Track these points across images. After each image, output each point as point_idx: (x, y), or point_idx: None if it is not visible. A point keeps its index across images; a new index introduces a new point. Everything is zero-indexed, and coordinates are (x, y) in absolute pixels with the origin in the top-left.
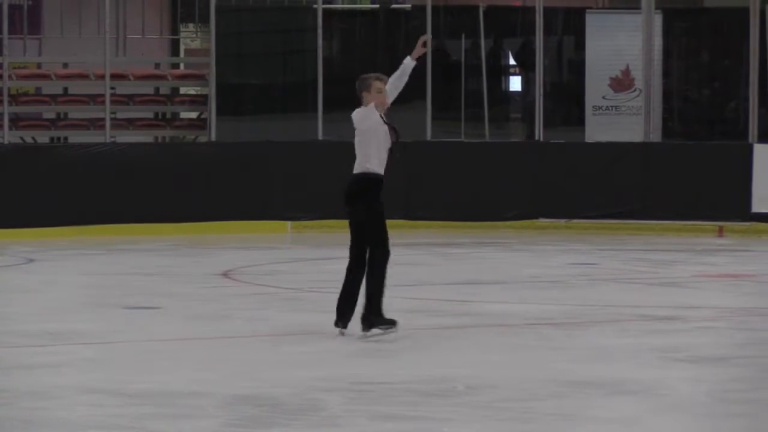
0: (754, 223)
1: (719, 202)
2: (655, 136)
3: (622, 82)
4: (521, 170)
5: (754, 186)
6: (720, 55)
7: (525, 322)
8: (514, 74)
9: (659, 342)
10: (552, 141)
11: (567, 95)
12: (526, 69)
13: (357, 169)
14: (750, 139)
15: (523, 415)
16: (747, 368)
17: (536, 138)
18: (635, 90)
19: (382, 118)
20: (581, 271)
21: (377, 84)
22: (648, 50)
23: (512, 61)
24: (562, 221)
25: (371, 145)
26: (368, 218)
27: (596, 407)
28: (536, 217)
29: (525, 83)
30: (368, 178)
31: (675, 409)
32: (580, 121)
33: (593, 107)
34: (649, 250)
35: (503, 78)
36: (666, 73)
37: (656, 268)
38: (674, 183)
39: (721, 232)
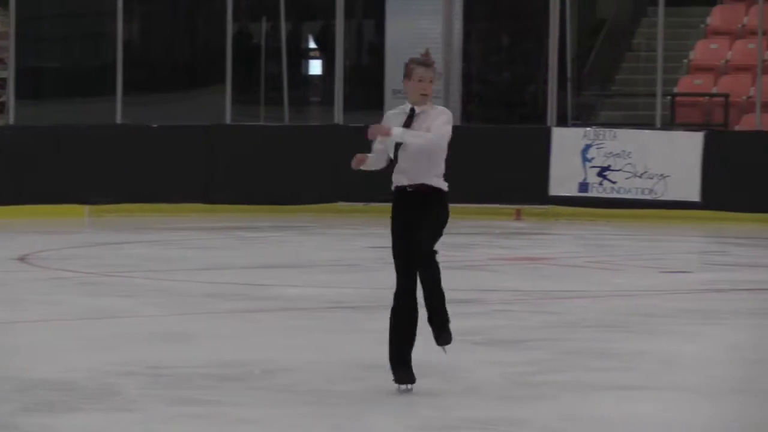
0: (551, 206)
1: (518, 185)
2: (455, 120)
3: None
4: (321, 154)
5: (552, 169)
6: (520, 38)
7: (322, 306)
8: (315, 58)
9: (457, 325)
10: (351, 125)
11: (367, 79)
12: (326, 52)
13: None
14: (549, 123)
15: (322, 399)
16: (542, 351)
17: (335, 121)
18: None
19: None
20: (379, 254)
21: (419, 70)
22: (448, 33)
23: (312, 45)
24: (361, 205)
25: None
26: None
27: (394, 391)
28: (336, 201)
29: (325, 67)
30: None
31: (470, 391)
32: (380, 105)
33: (393, 91)
34: (448, 233)
35: (303, 61)
36: (466, 57)
37: (454, 251)
38: (473, 166)
39: (518, 215)
